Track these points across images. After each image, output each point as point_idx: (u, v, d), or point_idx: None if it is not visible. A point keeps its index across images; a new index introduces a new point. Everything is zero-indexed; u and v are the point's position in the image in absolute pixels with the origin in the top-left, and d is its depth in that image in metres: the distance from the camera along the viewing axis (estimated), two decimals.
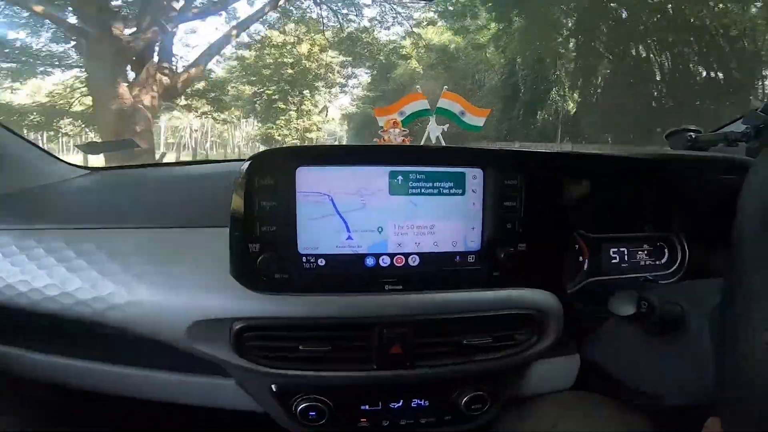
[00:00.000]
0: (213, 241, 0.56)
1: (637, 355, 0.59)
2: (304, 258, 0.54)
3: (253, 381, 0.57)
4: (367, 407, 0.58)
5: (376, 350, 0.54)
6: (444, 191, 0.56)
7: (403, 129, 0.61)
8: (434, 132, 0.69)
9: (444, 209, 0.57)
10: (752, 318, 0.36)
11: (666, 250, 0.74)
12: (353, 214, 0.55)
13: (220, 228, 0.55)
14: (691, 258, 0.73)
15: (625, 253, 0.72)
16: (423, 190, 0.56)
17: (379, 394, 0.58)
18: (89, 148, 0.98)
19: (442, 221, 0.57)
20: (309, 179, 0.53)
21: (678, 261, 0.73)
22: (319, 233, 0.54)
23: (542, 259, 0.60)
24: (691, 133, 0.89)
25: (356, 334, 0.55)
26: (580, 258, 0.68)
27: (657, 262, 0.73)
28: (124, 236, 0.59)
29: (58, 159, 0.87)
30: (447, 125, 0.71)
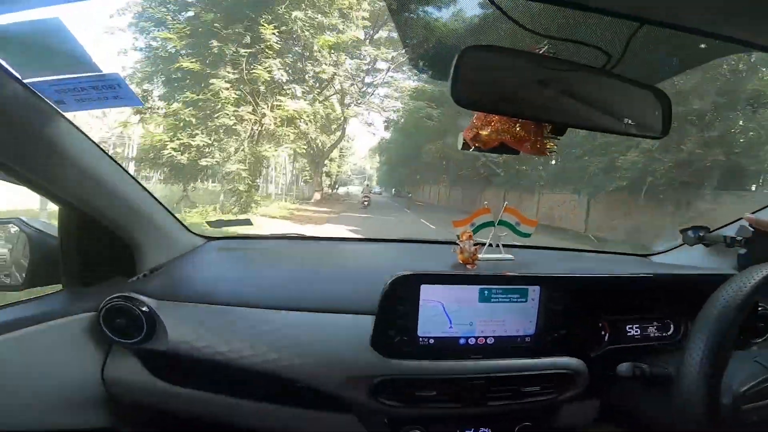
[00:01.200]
0: (352, 322, 0.86)
1: (639, 400, 0.89)
2: (421, 339, 0.86)
3: (373, 415, 0.85)
4: None
5: (464, 395, 0.86)
6: (513, 300, 0.86)
7: (474, 241, 0.85)
8: (496, 239, 0.92)
9: (513, 310, 0.87)
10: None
11: (672, 325, 0.99)
12: (454, 314, 0.85)
13: (355, 315, 0.86)
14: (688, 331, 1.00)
15: (638, 328, 0.97)
16: (500, 299, 0.86)
17: (458, 424, 0.90)
18: (215, 223, 1.29)
19: (510, 316, 0.87)
20: (428, 292, 0.84)
21: (681, 333, 0.99)
22: (431, 324, 0.85)
23: (574, 338, 0.90)
24: (702, 231, 1.13)
25: (452, 385, 0.86)
26: (603, 332, 0.95)
27: (664, 334, 0.99)
28: (287, 314, 0.87)
29: (187, 229, 1.13)
30: (505, 233, 0.96)
